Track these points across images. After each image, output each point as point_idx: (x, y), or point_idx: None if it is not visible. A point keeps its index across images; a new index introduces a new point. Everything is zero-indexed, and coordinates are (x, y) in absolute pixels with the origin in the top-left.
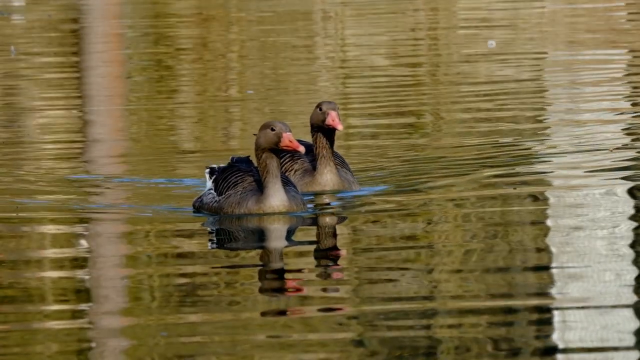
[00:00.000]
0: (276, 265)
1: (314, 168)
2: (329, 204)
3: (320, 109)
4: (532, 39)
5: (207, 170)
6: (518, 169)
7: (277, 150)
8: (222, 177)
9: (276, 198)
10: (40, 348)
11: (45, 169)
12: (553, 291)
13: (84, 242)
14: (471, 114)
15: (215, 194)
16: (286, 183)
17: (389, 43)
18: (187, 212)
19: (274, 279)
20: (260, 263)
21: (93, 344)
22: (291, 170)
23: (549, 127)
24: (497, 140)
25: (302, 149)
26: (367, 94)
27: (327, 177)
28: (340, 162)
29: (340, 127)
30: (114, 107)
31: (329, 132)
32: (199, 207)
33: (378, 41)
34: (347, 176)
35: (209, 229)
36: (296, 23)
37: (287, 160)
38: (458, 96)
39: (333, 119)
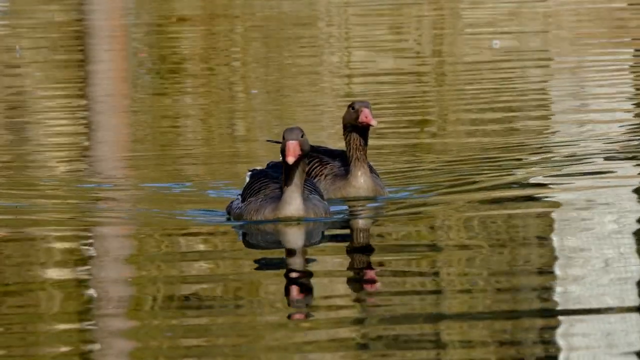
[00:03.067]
0: (285, 272)
1: (344, 173)
2: (360, 210)
3: (353, 108)
4: (537, 38)
5: (249, 173)
6: (526, 172)
7: (299, 157)
8: (249, 183)
9: (291, 205)
10: (43, 351)
11: (50, 172)
12: (560, 306)
13: (96, 251)
14: (476, 118)
15: (240, 200)
16: (311, 191)
17: (393, 43)
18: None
19: (284, 287)
20: (268, 270)
21: (97, 346)
22: (321, 175)
23: (555, 130)
24: (503, 145)
25: (290, 159)
26: (371, 96)
27: (361, 181)
28: (369, 167)
29: (374, 122)
30: (119, 108)
31: (363, 131)
32: (228, 213)
33: (382, 42)
34: (378, 181)
35: (221, 235)
36: (300, 23)
37: (315, 165)
38: (462, 99)
39: (366, 115)
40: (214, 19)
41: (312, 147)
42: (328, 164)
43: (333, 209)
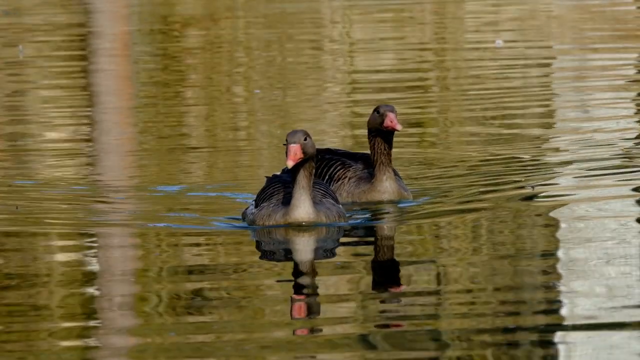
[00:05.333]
0: (293, 279)
1: (367, 175)
2: (379, 214)
3: (378, 112)
4: (540, 37)
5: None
6: (530, 178)
7: (303, 161)
8: (263, 188)
9: (301, 209)
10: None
11: (51, 174)
12: (561, 311)
13: (99, 256)
14: (478, 122)
15: (253, 205)
16: (324, 195)
17: (395, 44)
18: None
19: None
20: (276, 277)
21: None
22: (344, 178)
23: (559, 134)
24: (506, 148)
25: (289, 163)
26: (372, 97)
27: (386, 185)
28: (393, 171)
29: (399, 127)
30: (122, 109)
31: (387, 135)
32: (243, 219)
33: (384, 42)
34: (402, 185)
35: (228, 241)
36: (303, 23)
37: (338, 168)
38: (466, 103)
39: (391, 120)
40: (216, 19)
41: (331, 150)
42: (351, 166)
43: (356, 212)
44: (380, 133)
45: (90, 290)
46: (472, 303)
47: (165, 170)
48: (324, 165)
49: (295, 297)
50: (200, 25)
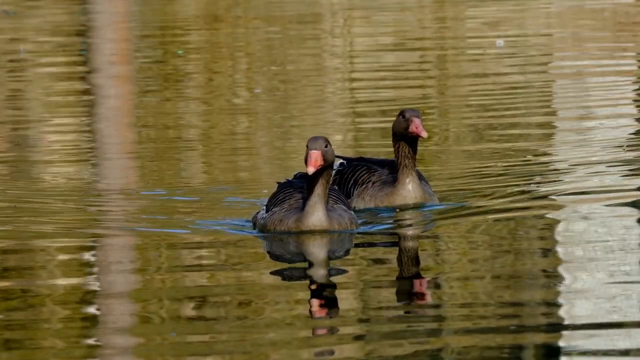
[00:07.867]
0: (300, 283)
1: (392, 180)
2: (396, 220)
3: (404, 117)
4: (540, 37)
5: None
6: (531, 183)
7: (322, 168)
8: (274, 193)
9: (314, 216)
10: None
11: (53, 176)
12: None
13: (101, 261)
14: (478, 123)
15: (265, 210)
16: (336, 201)
17: (395, 43)
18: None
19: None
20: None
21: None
22: (368, 182)
23: (560, 137)
24: (507, 154)
25: (310, 169)
26: (375, 98)
27: (409, 188)
28: (418, 175)
29: (424, 134)
30: (123, 110)
31: (412, 140)
32: (254, 224)
33: (385, 42)
34: (427, 189)
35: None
36: (303, 22)
37: (363, 173)
38: (465, 104)
39: (417, 126)
40: (217, 19)
41: (364, 159)
42: (376, 171)
43: (370, 218)
44: (405, 138)
45: (92, 307)
46: (480, 317)
47: (168, 174)
48: (350, 170)
49: (315, 312)
50: (201, 25)
